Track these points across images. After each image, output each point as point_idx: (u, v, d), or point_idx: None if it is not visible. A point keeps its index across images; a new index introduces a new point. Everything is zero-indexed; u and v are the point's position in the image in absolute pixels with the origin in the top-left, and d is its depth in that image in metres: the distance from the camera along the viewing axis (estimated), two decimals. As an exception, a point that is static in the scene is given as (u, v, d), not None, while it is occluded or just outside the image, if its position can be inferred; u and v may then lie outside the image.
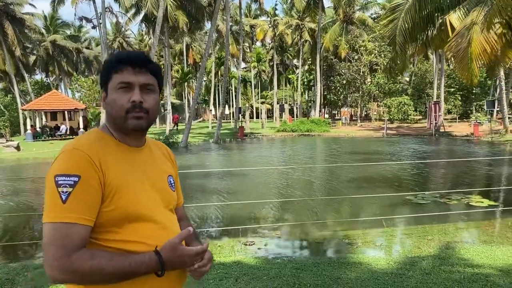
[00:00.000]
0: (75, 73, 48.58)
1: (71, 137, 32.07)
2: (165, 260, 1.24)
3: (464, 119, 38.01)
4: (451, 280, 4.05)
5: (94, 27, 48.94)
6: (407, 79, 47.36)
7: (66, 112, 34.39)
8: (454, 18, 11.52)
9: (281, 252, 5.50)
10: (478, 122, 28.87)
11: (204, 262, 1.34)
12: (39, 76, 59.28)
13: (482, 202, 8.13)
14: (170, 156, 1.59)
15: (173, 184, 1.49)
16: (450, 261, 4.68)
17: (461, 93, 39.19)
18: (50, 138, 31.39)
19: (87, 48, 57.68)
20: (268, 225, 7.06)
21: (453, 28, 11.54)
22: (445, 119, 35.05)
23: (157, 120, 47.74)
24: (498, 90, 30.87)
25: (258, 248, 5.64)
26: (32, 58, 48.51)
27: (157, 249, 1.25)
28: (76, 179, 1.20)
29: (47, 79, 58.04)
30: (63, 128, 32.59)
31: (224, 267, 4.55)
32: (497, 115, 33.97)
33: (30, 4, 42.06)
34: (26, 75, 43.37)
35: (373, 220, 7.08)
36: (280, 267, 4.61)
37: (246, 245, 5.78)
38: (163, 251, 1.24)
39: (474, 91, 39.70)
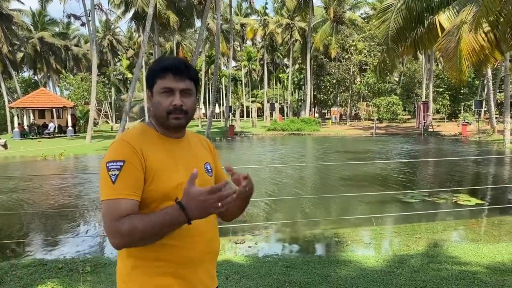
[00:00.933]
0: (63, 71, 48.06)
1: (59, 135, 31.81)
2: (185, 205, 1.34)
3: (453, 119, 38.42)
4: (439, 278, 4.10)
5: (83, 25, 48.47)
6: (396, 79, 47.72)
7: (54, 110, 34.05)
8: (444, 18, 11.63)
9: (271, 251, 5.51)
10: (466, 122, 29.20)
11: (227, 201, 1.33)
12: (26, 73, 58.65)
13: (469, 201, 8.23)
14: (209, 146, 1.80)
15: (209, 170, 1.69)
16: (438, 259, 4.73)
17: (449, 93, 39.60)
18: (38, 136, 31.09)
19: (76, 45, 57.10)
20: (259, 223, 7.07)
21: (442, 28, 11.65)
22: (433, 118, 35.40)
23: (146, 118, 47.50)
24: (485, 90, 31.26)
25: (249, 247, 5.65)
26: (19, 55, 47.91)
27: (177, 200, 1.38)
28: (121, 163, 1.45)
29: (34, 77, 57.39)
30: (51, 126, 32.28)
31: (214, 265, 4.54)
32: (484, 115, 34.39)
33: (18, 0, 41.43)
34: (13, 73, 42.82)
35: (362, 218, 7.13)
36: (270, 265, 4.62)
37: (236, 243, 5.78)
38: (181, 198, 1.36)
39: (462, 91, 40.14)
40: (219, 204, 1.31)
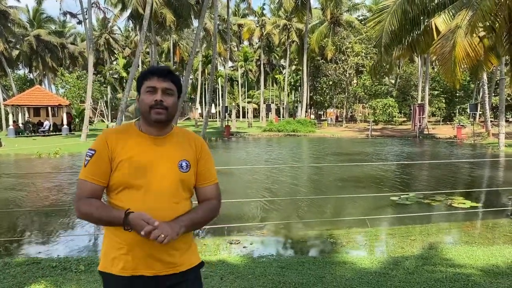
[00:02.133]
0: (60, 69, 47.83)
1: (54, 133, 31.66)
2: (129, 220, 1.68)
3: (448, 122, 38.59)
4: (433, 280, 4.11)
5: (79, 23, 48.38)
6: (392, 81, 47.87)
7: (49, 108, 33.89)
8: (439, 21, 11.66)
9: (266, 251, 5.51)
10: (461, 125, 29.34)
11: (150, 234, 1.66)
12: (22, 71, 58.35)
13: (464, 203, 8.26)
14: (196, 146, 1.96)
15: (184, 166, 1.86)
16: (432, 261, 4.74)
17: (445, 96, 39.77)
18: (33, 134, 30.93)
19: (72, 43, 56.88)
20: (254, 224, 7.06)
21: (438, 31, 11.68)
22: (429, 121, 35.54)
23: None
24: (481, 93, 31.45)
25: (244, 247, 5.65)
26: (15, 53, 47.65)
27: (129, 211, 1.70)
28: (93, 152, 1.81)
29: (30, 74, 57.11)
30: (46, 124, 32.13)
31: (209, 265, 4.54)
32: (479, 118, 34.58)
33: (14, -3, 41.13)
34: (8, 70, 42.58)
35: (357, 220, 7.14)
36: (265, 266, 4.62)
37: (231, 243, 5.77)
38: (131, 215, 1.69)
39: (457, 94, 40.33)
40: (143, 235, 1.64)
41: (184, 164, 1.86)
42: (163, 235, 1.65)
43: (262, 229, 6.80)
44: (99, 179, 1.78)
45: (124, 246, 1.77)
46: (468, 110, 32.19)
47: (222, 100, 41.01)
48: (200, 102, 58.97)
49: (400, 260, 4.81)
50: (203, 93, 58.77)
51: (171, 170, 1.82)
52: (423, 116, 31.25)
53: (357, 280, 4.14)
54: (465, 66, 10.82)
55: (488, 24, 9.57)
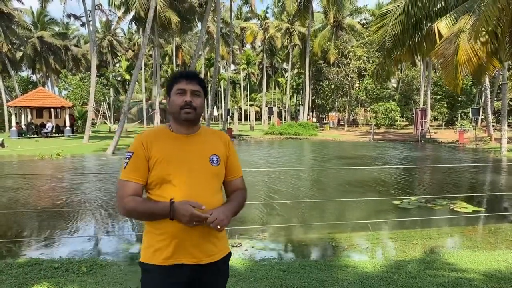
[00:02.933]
0: (63, 71, 47.96)
1: (57, 135, 31.72)
2: (175, 206, 1.83)
3: (450, 126, 38.54)
4: (435, 284, 4.10)
5: (83, 25, 48.49)
6: (395, 85, 47.86)
7: (52, 110, 33.95)
8: (442, 25, 11.68)
9: (268, 254, 5.51)
10: (463, 129, 29.29)
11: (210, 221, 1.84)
12: (25, 72, 58.53)
13: (466, 208, 8.24)
14: (224, 141, 2.13)
15: (215, 160, 2.02)
16: (434, 265, 4.74)
17: (447, 100, 39.73)
18: (36, 135, 30.98)
19: (76, 45, 57.07)
20: (256, 226, 7.06)
21: (440, 36, 11.69)
22: (431, 125, 35.48)
23: (144, 120, 47.47)
24: (483, 98, 31.41)
25: (245, 250, 5.65)
26: (19, 54, 47.80)
27: (172, 200, 1.85)
28: (131, 154, 1.96)
29: (33, 76, 57.26)
30: (49, 125, 32.18)
31: (211, 268, 4.53)
32: (481, 122, 34.54)
33: (18, 0, 41.30)
34: (12, 72, 42.72)
35: (359, 223, 7.13)
36: (267, 269, 4.62)
37: (233, 246, 5.77)
38: (176, 202, 1.84)
39: (460, 99, 40.30)
40: (188, 220, 1.81)
41: (214, 158, 2.03)
42: (221, 220, 1.84)
43: (264, 232, 6.80)
44: (139, 178, 1.93)
45: (166, 238, 1.90)
46: (470, 114, 32.14)
47: (224, 102, 41.04)
48: (202, 105, 58.91)
49: (402, 264, 4.80)
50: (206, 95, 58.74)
51: (203, 164, 1.99)
52: (425, 120, 31.22)
53: (359, 284, 4.14)
54: (467, 70, 10.83)
55: (490, 29, 9.56)
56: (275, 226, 7.23)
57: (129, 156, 1.95)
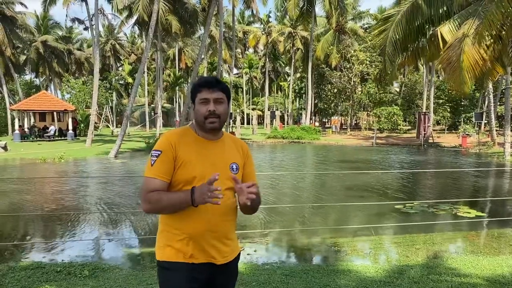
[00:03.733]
0: (66, 74, 48.12)
1: (59, 138, 31.80)
2: (195, 190, 1.88)
3: (453, 131, 38.45)
4: (438, 289, 4.08)
5: (86, 29, 48.64)
6: (397, 89, 47.82)
7: (55, 113, 34.08)
8: (445, 30, 11.69)
9: (270, 258, 5.49)
10: (466, 134, 29.21)
11: (212, 189, 1.83)
12: (29, 76, 58.72)
13: (469, 212, 8.21)
14: (243, 150, 2.22)
15: (234, 168, 2.10)
16: (437, 270, 4.72)
17: (450, 104, 39.66)
18: (39, 139, 31.06)
19: (79, 49, 57.28)
20: (258, 231, 7.05)
21: (444, 40, 11.71)
22: (434, 130, 35.42)
23: (147, 124, 47.55)
24: (486, 102, 31.34)
25: (248, 254, 5.63)
26: (22, 58, 48.00)
27: (193, 187, 1.92)
28: (159, 152, 2.00)
29: (36, 79, 57.49)
30: (51, 129, 32.28)
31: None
32: (485, 127, 34.45)
33: (21, 4, 41.49)
34: (15, 75, 42.89)
35: (362, 228, 7.11)
36: (269, 273, 4.61)
37: (235, 250, 5.75)
38: (196, 186, 1.91)
39: (462, 103, 40.20)
40: (209, 194, 1.81)
41: (234, 166, 2.11)
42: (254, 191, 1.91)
43: (266, 236, 6.79)
44: (165, 176, 1.98)
45: (184, 237, 1.98)
46: (473, 119, 32.06)
47: (226, 106, 41.05)
48: (205, 109, 58.92)
49: (405, 269, 4.78)
50: (208, 99, 58.75)
51: (224, 171, 2.03)
52: (428, 124, 31.16)
53: (362, 289, 4.12)
54: (473, 74, 10.81)
55: (494, 33, 9.56)
56: (278, 231, 7.22)
57: (157, 154, 1.99)
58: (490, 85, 26.94)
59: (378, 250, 5.96)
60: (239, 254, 2.18)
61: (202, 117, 2.02)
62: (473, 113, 32.67)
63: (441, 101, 39.43)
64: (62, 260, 5.31)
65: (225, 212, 2.05)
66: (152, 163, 1.99)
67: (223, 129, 2.19)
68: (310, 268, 4.85)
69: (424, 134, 30.45)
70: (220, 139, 2.12)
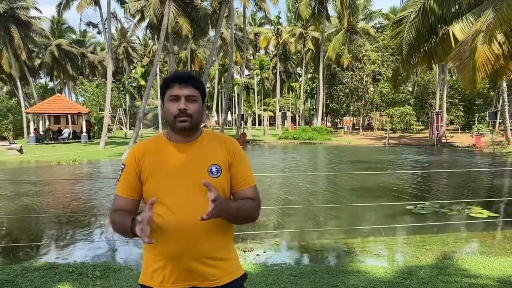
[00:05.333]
0: (80, 78, 48.77)
1: (73, 141, 32.23)
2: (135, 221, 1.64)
3: (466, 130, 37.99)
4: (447, 290, 4.07)
5: (99, 32, 49.29)
6: (410, 89, 47.41)
7: (69, 116, 34.55)
8: (457, 29, 11.59)
9: (279, 259, 5.51)
10: (480, 133, 28.84)
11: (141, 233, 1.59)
12: (43, 80, 59.60)
13: (481, 213, 8.12)
14: (228, 149, 1.89)
15: (214, 171, 1.81)
16: (447, 271, 4.69)
17: (463, 104, 39.20)
18: (53, 141, 31.53)
19: (92, 52, 57.99)
20: (268, 231, 7.08)
21: (455, 39, 11.61)
22: (447, 129, 35.03)
23: (160, 125, 47.89)
24: (500, 101, 30.89)
25: (257, 255, 5.67)
26: (37, 62, 48.75)
27: (134, 217, 1.66)
28: (123, 166, 1.85)
29: (51, 83, 58.31)
30: (66, 132, 32.73)
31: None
32: (499, 126, 33.96)
33: (36, 9, 42.17)
34: (30, 79, 43.60)
35: (372, 229, 7.10)
36: (277, 274, 4.63)
37: (245, 251, 5.80)
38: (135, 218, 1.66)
39: (476, 102, 39.67)
40: (138, 229, 1.57)
41: (214, 169, 1.80)
42: (215, 199, 1.56)
43: (276, 237, 6.81)
44: (129, 193, 1.82)
45: (161, 259, 1.76)
46: (487, 118, 31.64)
47: (238, 108, 41.21)
48: (217, 110, 59.37)
49: (414, 269, 4.77)
50: (220, 101, 59.14)
51: (201, 176, 1.73)
52: (441, 124, 30.85)
53: (370, 290, 4.13)
54: (485, 72, 10.69)
55: (506, 31, 9.45)
56: (287, 231, 7.24)
57: (121, 169, 1.84)
58: (504, 84, 26.58)
59: (388, 251, 5.94)
60: (242, 277, 1.86)
61: (171, 116, 1.77)
62: (487, 112, 32.24)
63: (455, 100, 38.98)
64: (75, 261, 5.41)
65: (210, 227, 1.73)
66: (118, 178, 1.84)
67: (204, 128, 1.93)
68: (319, 269, 4.86)
69: (437, 134, 30.15)
70: (197, 140, 1.85)
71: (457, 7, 12.52)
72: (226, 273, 1.80)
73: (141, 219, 1.58)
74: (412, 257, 5.42)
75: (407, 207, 8.77)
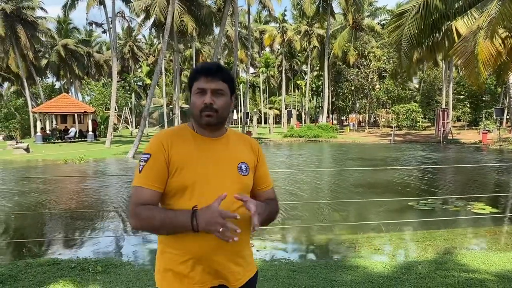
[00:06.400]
0: (85, 77, 49.07)
1: (80, 140, 32.47)
2: (199, 215, 1.54)
3: (473, 127, 37.78)
4: (445, 285, 4.08)
5: (104, 32, 49.49)
6: (416, 85, 47.17)
7: (75, 115, 34.79)
8: (460, 24, 11.55)
9: (279, 254, 5.56)
10: (487, 130, 28.66)
11: (228, 226, 1.51)
12: (50, 79, 60.05)
13: (484, 209, 8.11)
14: (253, 148, 1.87)
15: (243, 169, 1.76)
16: (446, 266, 4.70)
17: (470, 100, 38.94)
18: (60, 140, 31.77)
19: (98, 52, 58.30)
20: (268, 227, 7.11)
21: (459, 34, 11.58)
22: (454, 126, 34.85)
23: (165, 124, 48.05)
24: (507, 97, 30.65)
25: (257, 250, 5.71)
26: (43, 62, 49.10)
27: (195, 208, 1.58)
28: (148, 156, 1.67)
29: (57, 82, 58.72)
30: (72, 131, 32.96)
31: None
32: (506, 123, 33.72)
33: (42, 9, 42.45)
34: (37, 79, 43.93)
35: (373, 224, 7.11)
36: (276, 269, 4.67)
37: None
38: (200, 209, 1.57)
39: (483, 99, 39.40)
40: (220, 229, 1.49)
41: (243, 166, 1.77)
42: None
43: (276, 233, 6.85)
44: (156, 185, 1.64)
45: (189, 259, 1.64)
46: (493, 114, 31.44)
47: (243, 106, 41.26)
48: (222, 108, 59.18)
49: (413, 264, 4.79)
50: (225, 99, 58.99)
51: (231, 173, 1.72)
52: (447, 121, 30.70)
53: (368, 284, 4.15)
54: (488, 66, 10.63)
55: (509, 26, 9.40)
56: (289, 227, 7.27)
57: (145, 159, 1.66)
58: (511, 79, 26.35)
59: (388, 247, 5.96)
60: (255, 276, 1.81)
61: (197, 110, 1.69)
62: (494, 108, 32.03)
63: (461, 97, 38.73)
64: (77, 257, 5.48)
65: (241, 223, 1.60)
66: (140, 169, 1.66)
67: (227, 126, 1.87)
68: (318, 264, 4.90)
69: (443, 130, 30.01)
70: (223, 136, 1.79)
71: (460, 2, 12.46)
72: (247, 271, 1.77)
73: (225, 212, 1.51)
74: (412, 253, 5.44)
75: (409, 203, 8.77)
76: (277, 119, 64.60)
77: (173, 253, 1.66)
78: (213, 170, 1.68)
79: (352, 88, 44.67)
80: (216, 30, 36.65)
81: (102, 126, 37.94)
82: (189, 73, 1.92)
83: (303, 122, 53.64)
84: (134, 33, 54.88)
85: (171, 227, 1.58)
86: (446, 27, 12.64)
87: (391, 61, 40.59)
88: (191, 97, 1.74)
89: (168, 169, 1.65)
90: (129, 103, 54.85)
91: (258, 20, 58.99)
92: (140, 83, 57.97)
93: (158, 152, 1.66)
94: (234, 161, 1.75)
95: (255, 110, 59.21)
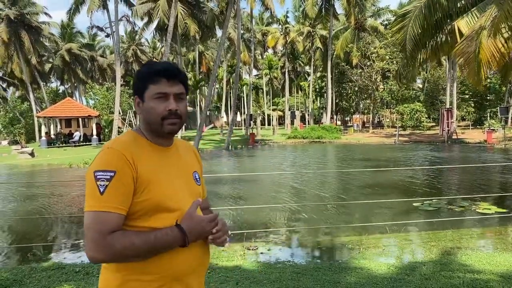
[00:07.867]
0: (89, 81, 49.28)
1: (84, 144, 32.59)
2: (186, 229, 1.43)
3: (478, 126, 37.60)
4: (450, 285, 4.06)
5: (107, 36, 49.71)
6: (420, 85, 47.04)
7: (80, 119, 34.94)
8: (463, 24, 11.49)
9: (283, 257, 5.55)
10: (492, 129, 28.52)
11: (219, 228, 1.51)
12: (54, 84, 60.31)
13: (489, 209, 8.06)
14: (196, 154, 1.76)
15: (198, 179, 1.66)
16: (450, 266, 4.68)
17: (474, 99, 38.78)
18: (64, 144, 31.89)
19: (102, 56, 58.54)
20: (272, 230, 7.11)
21: (461, 34, 11.51)
22: (458, 126, 34.71)
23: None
24: (512, 96, 30.54)
25: (261, 253, 5.70)
26: (47, 66, 49.37)
27: (177, 222, 1.45)
28: (112, 174, 1.38)
29: (62, 86, 58.99)
30: (76, 135, 33.09)
31: (225, 270, 4.62)
32: (511, 122, 33.54)
33: (45, 14, 42.75)
34: (41, 83, 44.15)
35: (377, 225, 7.09)
36: (281, 272, 4.66)
37: (249, 249, 5.83)
38: (182, 221, 1.45)
39: (488, 98, 39.22)
40: (212, 236, 1.49)
41: (197, 176, 1.66)
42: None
43: (280, 235, 6.84)
44: (123, 207, 1.40)
45: (164, 283, 1.44)
46: (498, 113, 31.29)
47: (247, 108, 41.29)
48: (226, 111, 59.49)
49: (417, 265, 4.76)
50: (228, 101, 59.22)
51: (190, 184, 1.60)
52: (452, 120, 30.58)
53: (372, 286, 4.14)
54: (492, 67, 10.59)
55: (511, 24, 9.36)
56: (292, 229, 7.26)
57: (108, 177, 1.37)
58: (515, 79, 26.21)
59: (392, 248, 5.94)
60: None
61: (158, 118, 1.49)
62: (498, 107, 31.88)
63: (465, 96, 38.59)
64: (82, 261, 5.49)
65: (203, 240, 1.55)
66: (101, 190, 1.37)
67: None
68: (322, 266, 4.88)
69: (448, 130, 29.89)
70: (173, 144, 1.62)
71: (463, 2, 12.42)
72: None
73: (215, 223, 1.48)
74: (416, 253, 5.43)
75: (414, 204, 8.74)
76: (281, 120, 64.56)
77: (143, 280, 1.41)
78: (178, 183, 1.53)
79: (356, 88, 44.59)
80: (219, 33, 36.76)
81: (106, 130, 38.05)
82: (138, 72, 1.59)
83: (306, 123, 53.58)
84: (137, 37, 55.10)
85: (156, 250, 1.40)
86: (449, 27, 12.58)
87: (394, 61, 40.50)
88: (143, 101, 1.52)
89: (135, 187, 1.41)
90: (133, 107, 55.01)
91: (260, 22, 59.00)
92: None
93: (124, 167, 1.40)
94: (189, 171, 1.63)
95: (258, 111, 59.22)
